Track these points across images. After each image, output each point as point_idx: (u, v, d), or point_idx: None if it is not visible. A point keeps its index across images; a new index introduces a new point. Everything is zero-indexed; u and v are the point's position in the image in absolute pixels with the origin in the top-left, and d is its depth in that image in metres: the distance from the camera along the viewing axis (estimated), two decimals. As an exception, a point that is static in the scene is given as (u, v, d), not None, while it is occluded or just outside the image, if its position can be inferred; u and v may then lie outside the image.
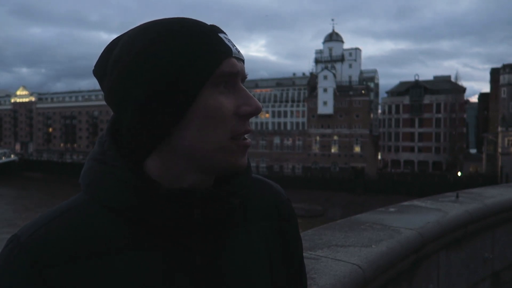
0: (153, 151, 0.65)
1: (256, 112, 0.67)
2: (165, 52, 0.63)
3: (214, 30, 0.66)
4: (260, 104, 0.67)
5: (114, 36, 0.65)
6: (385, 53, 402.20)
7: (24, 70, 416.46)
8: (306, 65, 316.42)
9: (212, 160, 0.66)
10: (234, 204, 0.69)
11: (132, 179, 0.64)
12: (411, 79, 74.18)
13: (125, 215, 0.64)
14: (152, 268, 0.63)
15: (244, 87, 0.68)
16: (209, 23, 0.68)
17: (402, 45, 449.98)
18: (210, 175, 0.68)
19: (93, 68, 0.69)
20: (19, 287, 0.59)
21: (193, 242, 0.66)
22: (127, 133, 0.66)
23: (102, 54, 0.68)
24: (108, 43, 0.69)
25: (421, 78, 73.10)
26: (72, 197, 0.68)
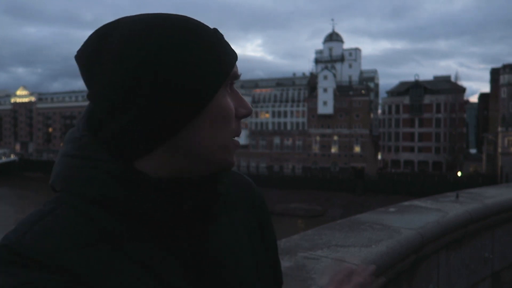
0: (151, 151, 0.64)
1: (249, 114, 0.70)
2: (190, 49, 0.61)
3: (221, 34, 0.68)
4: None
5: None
6: (381, 53, 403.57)
7: (21, 70, 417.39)
8: (303, 65, 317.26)
9: (213, 159, 0.66)
10: (221, 192, 0.70)
11: (120, 170, 0.62)
12: (408, 78, 74.77)
13: (113, 207, 0.62)
14: (143, 259, 0.63)
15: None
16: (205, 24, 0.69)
17: (398, 45, 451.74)
18: (203, 173, 0.68)
19: (76, 53, 0.64)
20: None
21: (182, 230, 0.67)
22: (121, 133, 0.62)
23: (91, 39, 0.63)
24: (98, 28, 0.64)
25: (420, 78, 73.18)
26: (47, 201, 0.65)
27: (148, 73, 0.59)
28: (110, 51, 0.61)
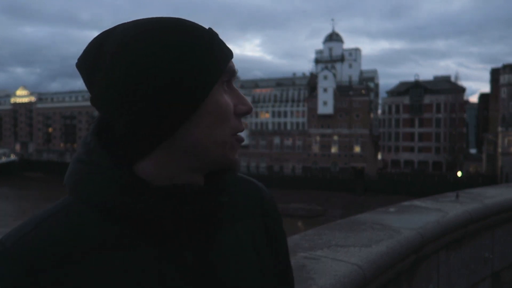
0: (150, 152, 0.65)
1: (249, 111, 0.71)
2: (181, 49, 0.63)
3: (215, 32, 0.69)
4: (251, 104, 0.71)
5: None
6: (380, 53, 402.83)
7: (19, 70, 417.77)
8: (302, 65, 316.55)
9: (214, 156, 0.67)
10: (223, 201, 0.69)
11: (121, 177, 0.63)
12: (407, 78, 74.99)
13: (114, 214, 0.63)
14: (144, 267, 0.62)
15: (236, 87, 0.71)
16: (202, 24, 0.70)
17: (397, 45, 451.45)
18: (204, 172, 0.69)
19: (76, 61, 0.67)
20: None
21: (183, 239, 0.66)
22: (122, 135, 0.64)
23: (90, 46, 0.65)
24: (96, 36, 0.66)
25: (419, 78, 73.24)
26: (57, 201, 0.67)
27: (140, 77, 0.61)
28: (105, 58, 0.62)
